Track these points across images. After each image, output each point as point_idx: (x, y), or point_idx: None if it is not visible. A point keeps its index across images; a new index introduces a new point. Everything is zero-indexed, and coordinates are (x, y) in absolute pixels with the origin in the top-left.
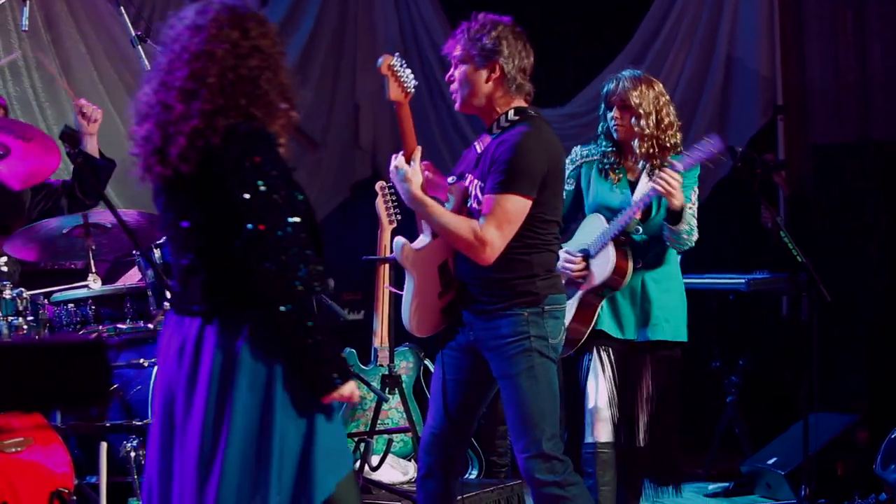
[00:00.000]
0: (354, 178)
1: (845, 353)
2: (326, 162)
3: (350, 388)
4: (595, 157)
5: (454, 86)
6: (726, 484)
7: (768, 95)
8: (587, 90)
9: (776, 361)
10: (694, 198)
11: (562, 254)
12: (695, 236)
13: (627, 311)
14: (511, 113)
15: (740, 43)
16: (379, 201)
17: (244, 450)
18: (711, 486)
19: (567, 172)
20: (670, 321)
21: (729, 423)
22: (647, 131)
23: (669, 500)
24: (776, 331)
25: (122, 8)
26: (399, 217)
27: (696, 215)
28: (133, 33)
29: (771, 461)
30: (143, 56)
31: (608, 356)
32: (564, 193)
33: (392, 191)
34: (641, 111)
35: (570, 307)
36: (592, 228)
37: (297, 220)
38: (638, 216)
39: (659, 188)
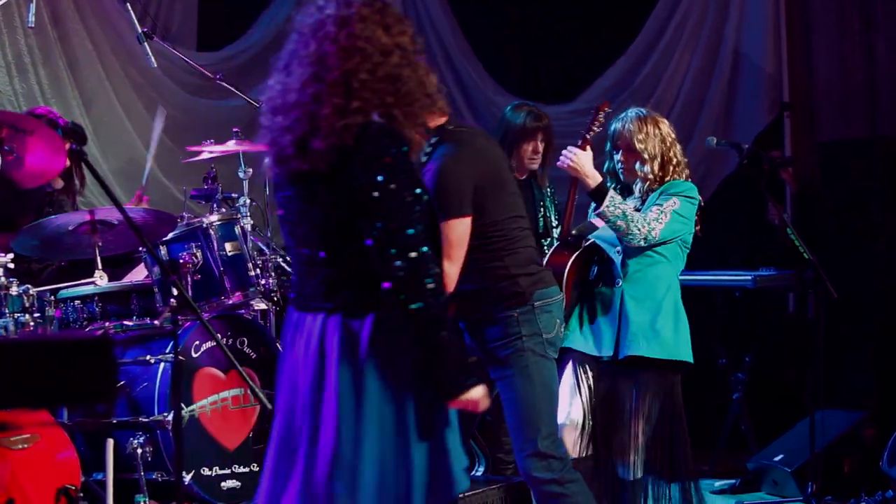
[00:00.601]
0: None
1: (852, 351)
2: None
3: (480, 393)
4: None
5: None
6: (733, 481)
7: (774, 93)
8: (593, 87)
9: (782, 358)
10: (667, 206)
11: None
12: (640, 231)
13: (605, 328)
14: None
15: (746, 40)
16: None
17: (382, 455)
18: (718, 483)
19: None
20: (646, 337)
21: (735, 420)
22: (651, 175)
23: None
24: (782, 328)
25: (128, 5)
26: None
27: (658, 219)
28: (139, 30)
29: (777, 458)
30: (150, 53)
31: (584, 372)
32: None
33: None
34: (647, 155)
35: None
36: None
37: (420, 230)
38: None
39: (562, 164)
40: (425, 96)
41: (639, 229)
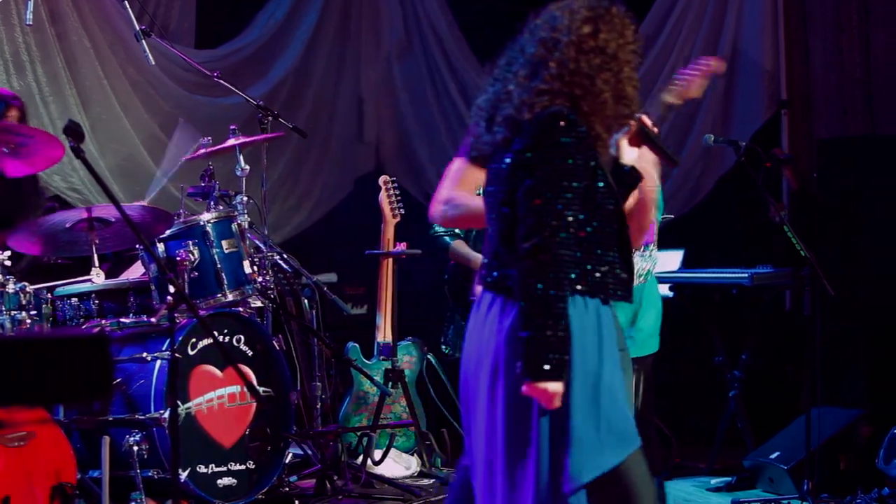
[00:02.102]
0: (358, 172)
1: (848, 348)
2: (330, 156)
3: (555, 388)
4: None
5: None
6: (729, 478)
7: (772, 90)
8: None
9: (779, 356)
10: None
11: None
12: None
13: None
14: None
15: (744, 37)
16: (382, 195)
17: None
18: (714, 481)
19: None
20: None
21: (731, 417)
22: None
23: (674, 494)
24: (779, 326)
25: (126, 2)
26: (402, 211)
27: None
28: (137, 28)
29: (774, 456)
30: (147, 50)
31: None
32: None
33: (395, 185)
34: None
35: None
36: None
37: (575, 217)
38: None
39: None
40: (619, 103)
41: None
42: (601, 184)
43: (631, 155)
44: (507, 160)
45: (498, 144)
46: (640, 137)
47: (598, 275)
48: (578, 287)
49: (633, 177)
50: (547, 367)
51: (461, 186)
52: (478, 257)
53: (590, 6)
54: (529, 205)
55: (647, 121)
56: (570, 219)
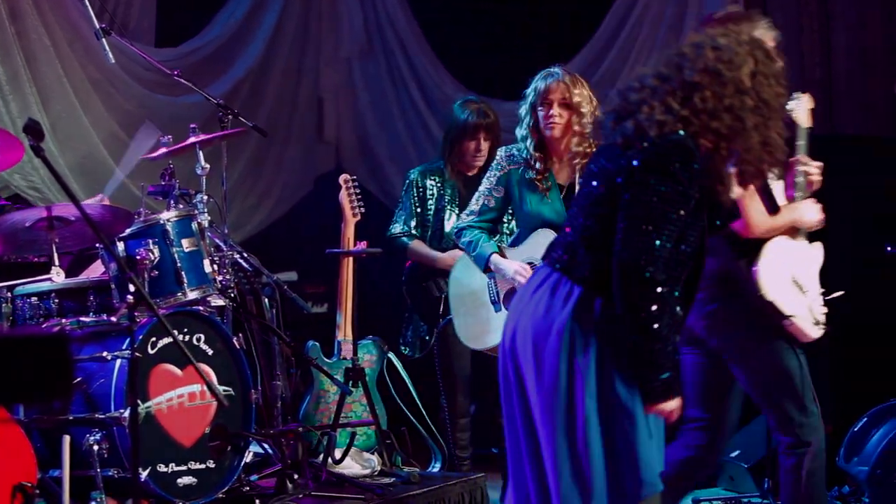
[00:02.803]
0: (318, 171)
1: (808, 346)
2: (290, 155)
3: (674, 405)
4: (521, 164)
5: None
6: None
7: None
8: None
9: None
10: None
11: (515, 265)
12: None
13: None
14: None
15: None
16: (342, 194)
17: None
18: None
19: (496, 177)
20: None
21: None
22: (587, 130)
23: None
24: None
25: (86, 1)
26: (362, 210)
27: None
28: (97, 26)
29: (734, 454)
30: (108, 49)
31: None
32: (494, 201)
33: (355, 184)
34: (583, 110)
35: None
36: (544, 241)
37: (667, 247)
38: None
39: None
40: (763, 150)
41: None
42: (696, 220)
43: (736, 192)
44: (620, 163)
45: (617, 143)
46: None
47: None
48: None
49: (730, 215)
50: (660, 386)
51: None
52: (443, 256)
53: (752, 42)
54: (632, 224)
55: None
56: (668, 246)
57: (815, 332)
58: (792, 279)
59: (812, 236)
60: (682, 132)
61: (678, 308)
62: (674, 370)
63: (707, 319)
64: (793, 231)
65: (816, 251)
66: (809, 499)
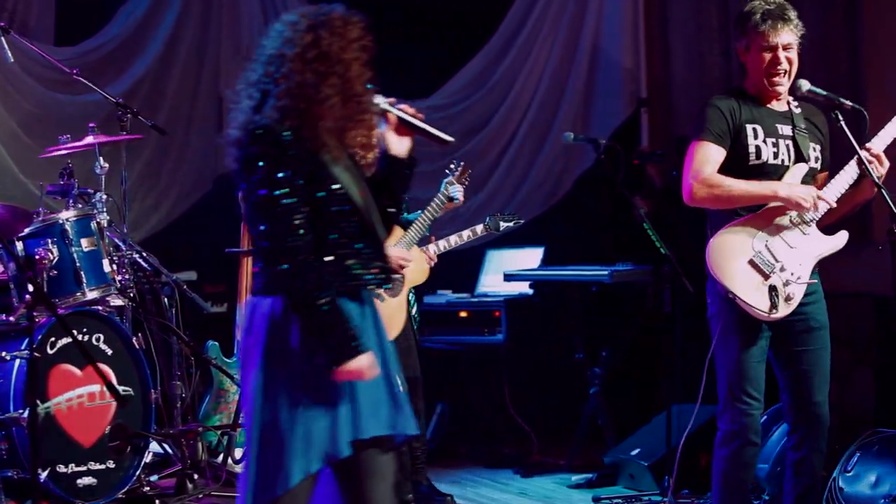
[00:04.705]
0: (218, 170)
1: (709, 345)
2: (190, 155)
3: (365, 361)
4: None
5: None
6: (589, 475)
7: (632, 88)
8: (451, 82)
9: (640, 353)
10: None
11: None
12: None
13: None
14: None
15: (605, 35)
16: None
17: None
18: (575, 478)
19: None
20: None
21: (592, 414)
22: None
23: (534, 491)
24: (640, 323)
25: None
26: None
27: None
28: None
29: (634, 452)
30: (6, 47)
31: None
32: None
33: None
34: None
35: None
36: None
37: (302, 219)
38: None
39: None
40: (348, 103)
41: None
42: (335, 186)
43: (400, 145)
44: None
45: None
46: (404, 126)
47: (353, 272)
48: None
49: (408, 164)
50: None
51: None
52: None
53: (309, 15)
54: (261, 223)
55: (407, 108)
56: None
57: (766, 310)
58: (754, 257)
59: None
60: (268, 121)
61: (372, 259)
62: (343, 324)
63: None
64: (779, 211)
65: (835, 240)
66: (717, 483)
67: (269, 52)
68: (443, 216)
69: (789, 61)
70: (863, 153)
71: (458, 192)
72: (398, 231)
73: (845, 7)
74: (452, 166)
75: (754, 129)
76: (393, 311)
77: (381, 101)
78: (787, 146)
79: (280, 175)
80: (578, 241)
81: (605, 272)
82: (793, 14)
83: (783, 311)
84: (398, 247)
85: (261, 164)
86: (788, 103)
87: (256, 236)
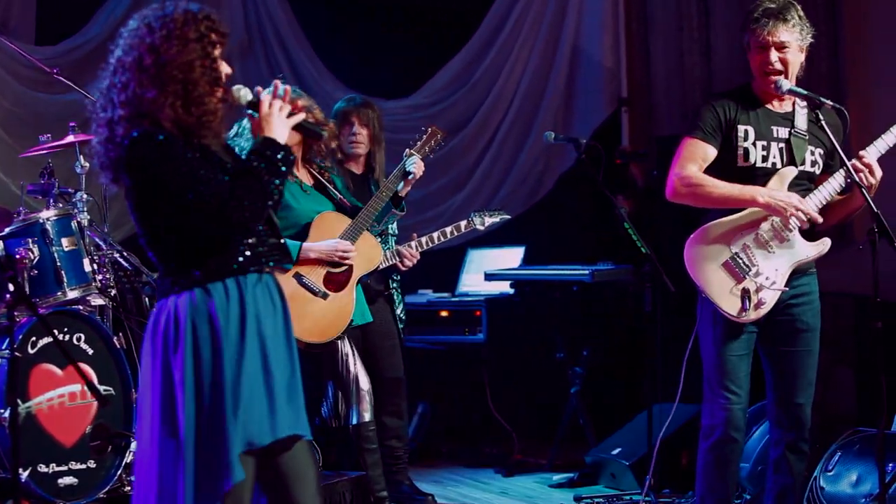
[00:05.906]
0: None
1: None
2: None
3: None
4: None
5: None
6: (571, 474)
7: (613, 88)
8: (432, 81)
9: (621, 352)
10: None
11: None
12: None
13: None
14: None
15: (585, 35)
16: None
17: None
18: (556, 477)
19: None
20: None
21: (573, 413)
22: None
23: (515, 490)
24: (621, 322)
25: None
26: None
27: None
28: None
29: (615, 452)
30: None
31: (351, 344)
32: None
33: None
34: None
35: None
36: None
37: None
38: None
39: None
40: (194, 102)
41: None
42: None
43: (278, 131)
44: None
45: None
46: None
47: (247, 253)
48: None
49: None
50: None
51: None
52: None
53: (147, 18)
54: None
55: (264, 97)
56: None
57: (735, 313)
58: (731, 258)
59: (691, 232)
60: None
61: (266, 238)
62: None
63: None
64: (764, 214)
65: (817, 246)
66: (698, 478)
67: (115, 58)
68: (429, 213)
69: (783, 62)
70: (853, 161)
71: (413, 164)
72: (344, 220)
73: (826, 5)
74: (418, 135)
75: (746, 131)
76: (342, 303)
77: (246, 93)
78: (781, 149)
79: (168, 163)
80: (559, 241)
81: (586, 272)
82: (795, 14)
83: (752, 315)
84: (341, 237)
85: (146, 165)
86: (794, 104)
87: (157, 232)
